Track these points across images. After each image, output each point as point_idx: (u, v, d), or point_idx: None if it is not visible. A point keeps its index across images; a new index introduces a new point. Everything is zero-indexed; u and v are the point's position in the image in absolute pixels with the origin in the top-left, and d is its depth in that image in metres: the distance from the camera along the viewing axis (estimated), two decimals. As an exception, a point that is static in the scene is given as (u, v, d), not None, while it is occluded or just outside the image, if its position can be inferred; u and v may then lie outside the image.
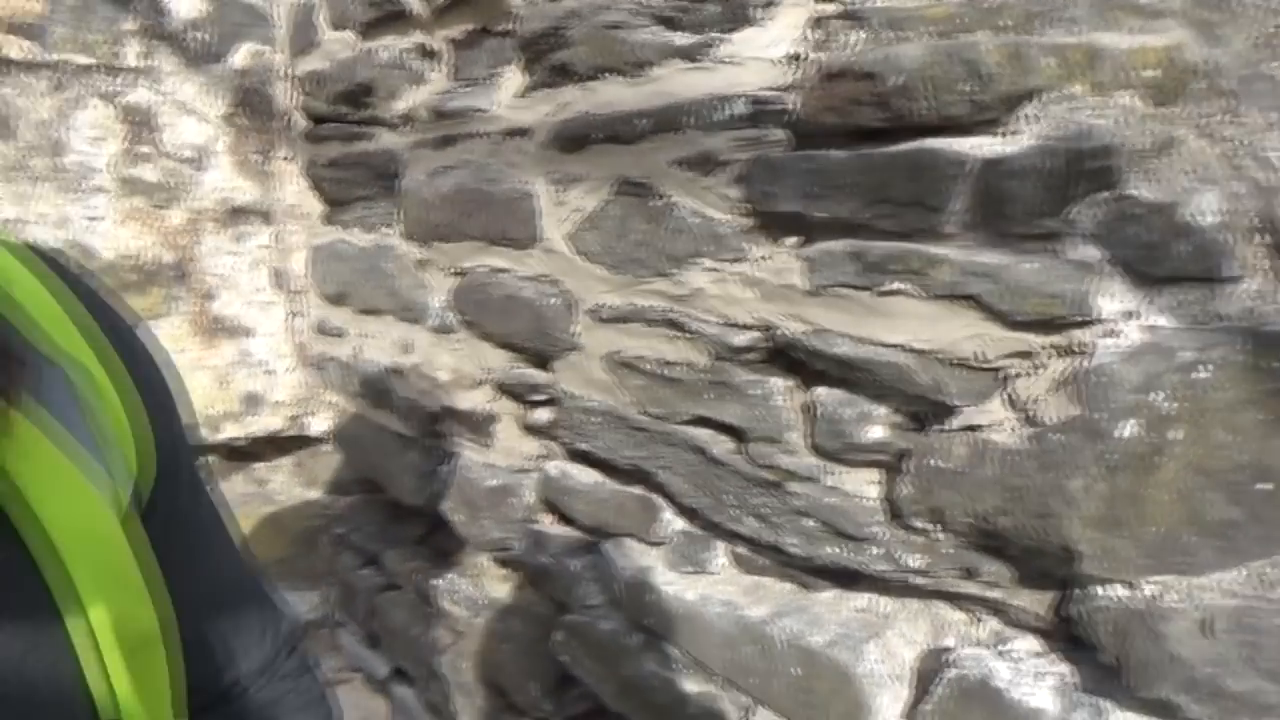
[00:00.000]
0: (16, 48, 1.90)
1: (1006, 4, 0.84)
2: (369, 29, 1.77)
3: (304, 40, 2.00)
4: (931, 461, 0.85)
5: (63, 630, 0.44)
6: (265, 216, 2.17)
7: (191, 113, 2.07)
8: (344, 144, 1.95)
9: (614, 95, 1.15)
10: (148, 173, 2.03)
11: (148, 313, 2.05)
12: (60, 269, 0.51)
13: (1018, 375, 0.81)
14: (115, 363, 0.51)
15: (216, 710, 0.62)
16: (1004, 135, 0.82)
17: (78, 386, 0.48)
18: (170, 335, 2.08)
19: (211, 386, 2.12)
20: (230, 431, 2.15)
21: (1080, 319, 0.76)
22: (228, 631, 0.64)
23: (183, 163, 2.07)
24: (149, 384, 0.53)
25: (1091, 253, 0.77)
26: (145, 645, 0.48)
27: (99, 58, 1.98)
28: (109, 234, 2.01)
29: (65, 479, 0.45)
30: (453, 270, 1.59)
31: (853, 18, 0.90)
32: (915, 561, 0.90)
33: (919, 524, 0.87)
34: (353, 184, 1.93)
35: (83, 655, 0.45)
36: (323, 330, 2.12)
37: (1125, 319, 0.75)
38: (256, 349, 2.18)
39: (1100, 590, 0.79)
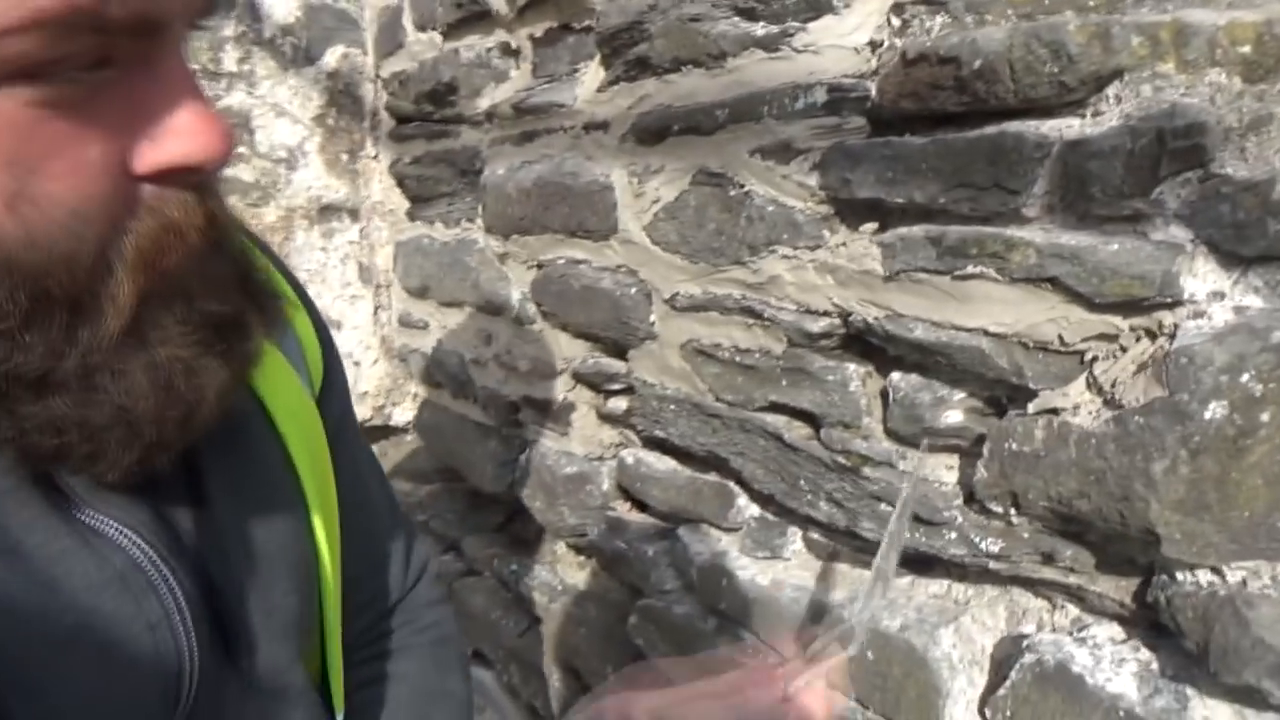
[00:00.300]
0: (125, 55, 2.02)
1: (1091, -15, 0.83)
2: (452, 29, 1.83)
3: (390, 42, 2.07)
4: (1009, 445, 0.84)
5: (305, 509, 0.58)
6: (353, 213, 2.25)
7: (285, 114, 2.17)
8: (428, 142, 2.01)
9: (692, 87, 1.17)
10: (244, 173, 2.13)
11: (243, 305, 2.15)
12: (250, 232, 0.64)
13: (1100, 358, 0.81)
14: (300, 303, 0.65)
15: (364, 616, 0.72)
16: (1089, 116, 0.81)
17: (289, 320, 0.61)
18: (264, 327, 2.17)
19: (301, 376, 2.20)
20: (319, 420, 2.23)
21: (1166, 300, 0.75)
22: (377, 539, 0.74)
23: (276, 163, 2.16)
24: (317, 320, 0.67)
25: (1178, 233, 0.76)
26: (335, 529, 0.62)
27: (201, 64, 2.08)
28: (208, 230, 2.11)
29: (295, 393, 0.59)
30: (532, 263, 1.63)
31: (933, 3, 0.90)
32: (992, 546, 0.90)
33: (996, 508, 0.87)
34: (436, 181, 1.99)
35: (314, 530, 0.58)
36: (406, 323, 2.19)
37: (1213, 300, 0.74)
38: (344, 341, 2.26)
39: (1184, 576, 0.77)
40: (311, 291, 2.28)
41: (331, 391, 0.66)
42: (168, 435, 0.43)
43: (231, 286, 0.46)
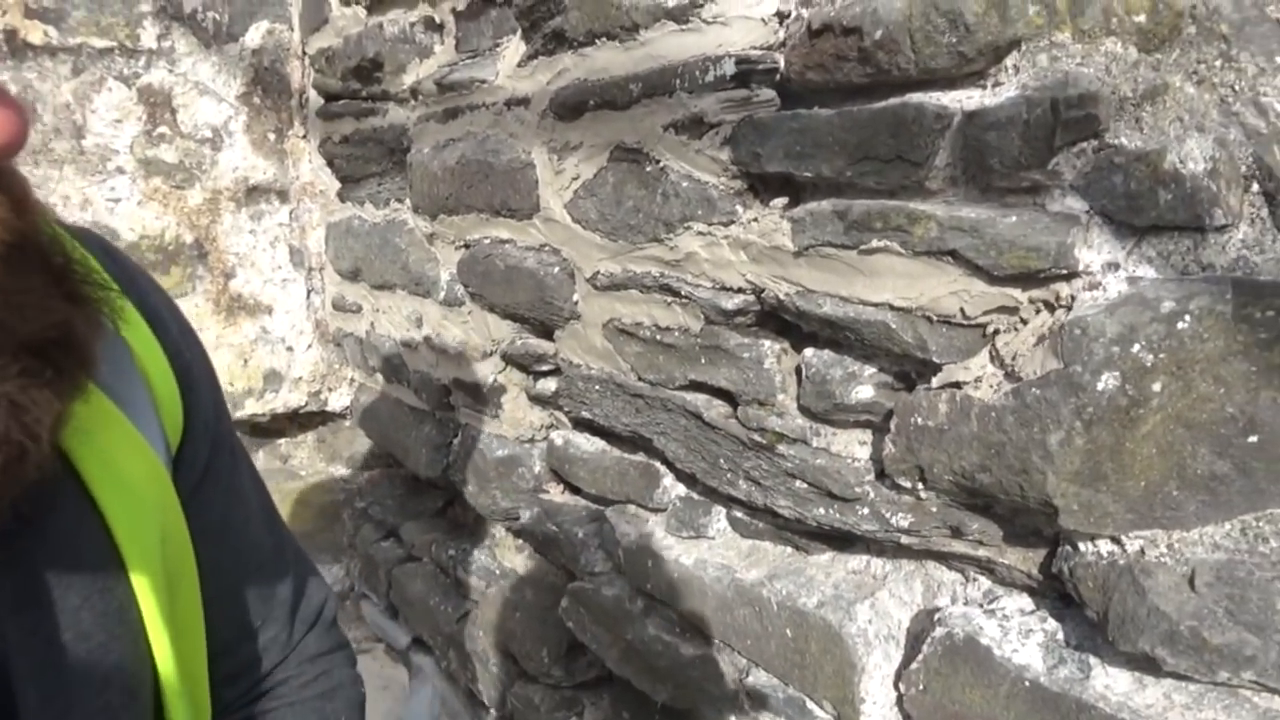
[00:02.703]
0: (37, 32, 1.94)
1: (993, -47, 0.82)
2: (376, 3, 1.78)
3: (315, 17, 2.02)
4: (915, 420, 0.84)
5: (127, 581, 0.48)
6: (282, 195, 2.20)
7: (208, 93, 2.10)
8: (356, 120, 1.96)
9: (608, 60, 1.15)
10: (167, 153, 2.06)
11: (170, 292, 2.09)
12: (103, 247, 0.55)
13: (1001, 331, 0.80)
14: (153, 329, 0.55)
15: (239, 682, 0.64)
16: (989, 87, 0.81)
17: (134, 356, 0.52)
18: (192, 314, 2.11)
19: (233, 364, 2.16)
20: (252, 408, 2.19)
21: (1062, 271, 0.74)
22: (250, 601, 0.65)
23: (201, 143, 2.10)
24: (175, 351, 0.56)
25: (1074, 204, 0.75)
26: (190, 600, 0.53)
27: (117, 40, 2.01)
28: (131, 215, 2.05)
29: (132, 456, 0.49)
30: (460, 243, 1.60)
31: (837, -28, 0.89)
32: (902, 521, 0.90)
33: (904, 483, 0.87)
34: (365, 160, 1.94)
35: (144, 605, 0.48)
36: (339, 307, 2.15)
37: (1108, 270, 0.74)
38: (276, 326, 2.21)
39: (1086, 546, 0.78)
40: (241, 276, 2.21)
41: (193, 440, 0.57)
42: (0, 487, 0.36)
43: (49, 293, 0.39)
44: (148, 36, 2.04)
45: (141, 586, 0.49)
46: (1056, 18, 0.77)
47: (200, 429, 0.58)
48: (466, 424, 1.69)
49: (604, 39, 1.14)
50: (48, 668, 0.44)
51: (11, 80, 1.92)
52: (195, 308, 2.11)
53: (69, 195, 2.00)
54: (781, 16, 0.95)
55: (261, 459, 2.32)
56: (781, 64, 0.94)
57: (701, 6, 1.00)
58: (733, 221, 1.02)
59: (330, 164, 2.12)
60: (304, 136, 2.19)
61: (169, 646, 0.50)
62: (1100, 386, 0.71)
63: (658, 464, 1.25)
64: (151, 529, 0.50)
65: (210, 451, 0.59)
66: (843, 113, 0.88)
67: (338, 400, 2.28)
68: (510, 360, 1.53)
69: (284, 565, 0.69)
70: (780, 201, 0.96)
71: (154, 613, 0.49)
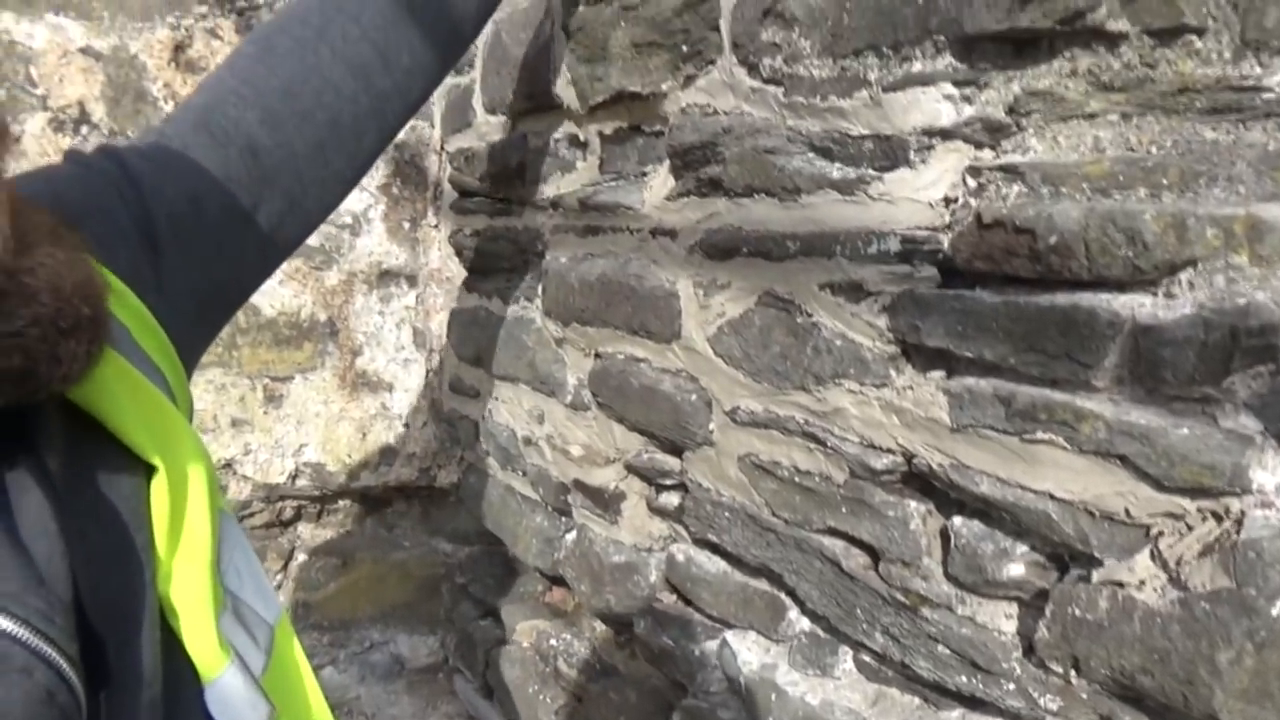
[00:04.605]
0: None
1: (1166, 162, 0.87)
2: (521, 116, 1.89)
3: (458, 119, 2.14)
4: (1073, 610, 0.87)
5: (145, 496, 0.58)
6: (411, 279, 2.31)
7: (351, 181, 2.23)
8: (489, 218, 2.07)
9: (764, 214, 1.22)
10: (311, 237, 2.19)
11: (300, 365, 2.20)
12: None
13: (1164, 533, 0.83)
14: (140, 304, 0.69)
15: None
16: (1160, 296, 0.84)
17: (129, 331, 0.66)
18: (319, 387, 2.23)
19: (352, 437, 2.26)
20: (366, 480, 2.29)
21: (1234, 490, 0.77)
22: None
23: (341, 228, 2.23)
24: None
25: (1248, 423, 0.78)
26: (185, 515, 0.61)
27: (273, 129, 2.16)
28: (272, 292, 2.18)
29: (135, 382, 0.60)
30: (590, 352, 1.68)
31: (1010, 170, 0.94)
32: (1051, 704, 0.92)
33: (1056, 667, 0.89)
34: (496, 256, 2.04)
35: (155, 519, 0.58)
36: (456, 389, 2.24)
37: (1281, 493, 0.77)
38: (395, 403, 2.31)
39: (1244, 757, 0.79)
40: (367, 354, 2.32)
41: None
42: None
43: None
44: (302, 127, 2.18)
45: (152, 494, 0.58)
46: (1234, 241, 0.81)
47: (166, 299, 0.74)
48: (583, 524, 1.74)
49: (763, 194, 1.21)
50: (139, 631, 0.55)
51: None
52: (323, 382, 2.22)
53: (218, 271, 2.14)
54: (948, 201, 1.00)
55: (369, 527, 2.41)
56: (945, 246, 1.00)
57: (869, 184, 1.05)
58: (885, 385, 1.06)
59: (458, 254, 2.23)
60: (435, 226, 2.31)
61: (168, 563, 0.59)
62: (1274, 612, 0.73)
63: (784, 596, 1.29)
64: (159, 444, 0.58)
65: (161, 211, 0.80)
66: (1009, 302, 0.92)
67: (446, 477, 2.37)
68: (633, 470, 1.59)
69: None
70: (938, 374, 1.01)
71: (163, 528, 0.58)
